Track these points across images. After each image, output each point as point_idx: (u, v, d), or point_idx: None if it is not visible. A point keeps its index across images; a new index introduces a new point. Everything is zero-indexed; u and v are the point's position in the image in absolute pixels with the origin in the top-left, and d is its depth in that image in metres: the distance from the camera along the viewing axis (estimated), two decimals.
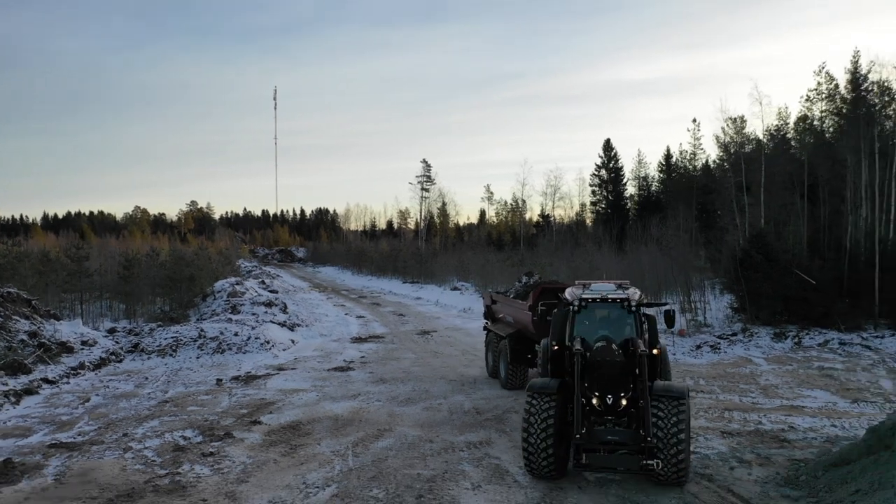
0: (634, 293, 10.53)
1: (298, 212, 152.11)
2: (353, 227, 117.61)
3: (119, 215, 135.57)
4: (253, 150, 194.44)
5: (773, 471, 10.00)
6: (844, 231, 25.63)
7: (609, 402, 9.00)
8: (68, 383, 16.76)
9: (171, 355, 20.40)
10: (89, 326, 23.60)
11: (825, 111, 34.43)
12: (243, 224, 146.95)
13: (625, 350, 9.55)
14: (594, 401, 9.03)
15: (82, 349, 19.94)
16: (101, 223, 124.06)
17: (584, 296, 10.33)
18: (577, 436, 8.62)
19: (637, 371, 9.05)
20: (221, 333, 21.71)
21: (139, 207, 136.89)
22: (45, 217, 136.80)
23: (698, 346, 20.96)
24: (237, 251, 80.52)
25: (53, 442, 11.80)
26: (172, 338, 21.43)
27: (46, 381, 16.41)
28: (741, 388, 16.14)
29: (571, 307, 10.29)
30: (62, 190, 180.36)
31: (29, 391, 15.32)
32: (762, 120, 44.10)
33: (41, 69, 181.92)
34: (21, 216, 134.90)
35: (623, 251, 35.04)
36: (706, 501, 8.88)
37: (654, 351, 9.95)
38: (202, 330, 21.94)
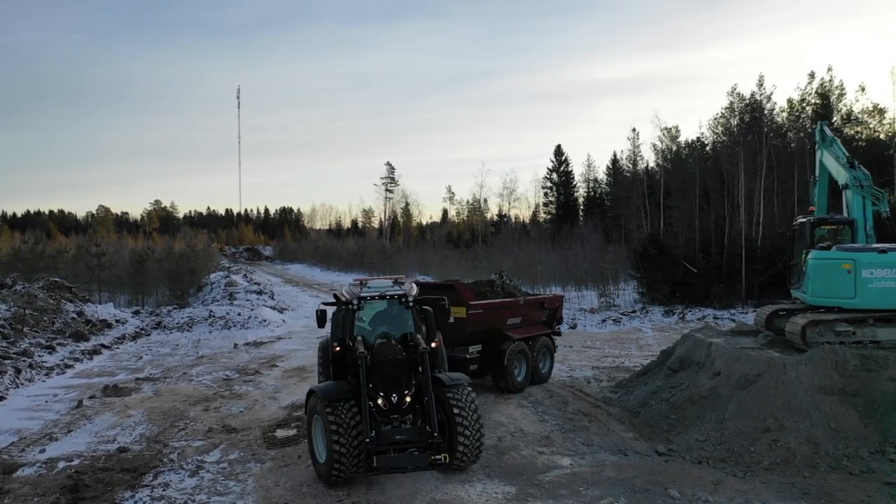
0: (411, 289, 10.81)
1: (262, 211, 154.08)
2: (318, 226, 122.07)
3: (80, 214, 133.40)
4: (216, 147, 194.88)
5: (613, 384, 15.90)
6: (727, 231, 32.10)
7: (394, 400, 8.96)
8: (119, 348, 21.91)
9: (188, 330, 25.58)
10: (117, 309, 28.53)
11: (738, 126, 41.17)
12: (207, 223, 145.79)
13: (405, 346, 9.77)
14: (379, 401, 8.93)
15: (117, 325, 25.00)
16: (61, 222, 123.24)
17: (362, 294, 10.35)
18: (367, 439, 8.32)
19: (420, 368, 9.11)
20: (227, 314, 26.97)
21: (103, 206, 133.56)
22: (4, 215, 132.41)
23: (604, 321, 27.03)
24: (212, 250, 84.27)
25: (137, 378, 17.10)
26: (188, 317, 26.67)
27: (103, 346, 21.54)
28: (624, 345, 22.20)
29: (350, 306, 10.27)
30: (18, 187, 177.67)
31: (96, 352, 20.48)
32: (661, 145, 46.11)
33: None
34: None
35: (556, 248, 41.15)
36: (566, 396, 14.69)
37: (433, 344, 10.09)
38: (212, 311, 27.23)
